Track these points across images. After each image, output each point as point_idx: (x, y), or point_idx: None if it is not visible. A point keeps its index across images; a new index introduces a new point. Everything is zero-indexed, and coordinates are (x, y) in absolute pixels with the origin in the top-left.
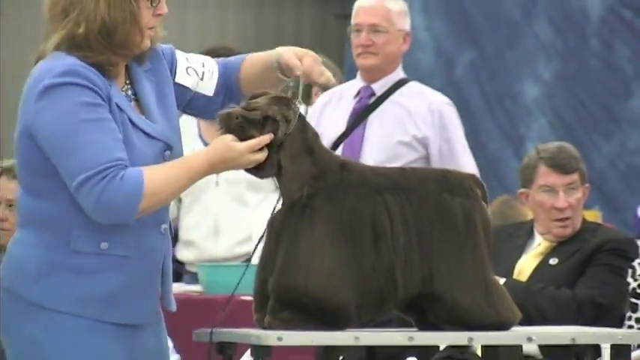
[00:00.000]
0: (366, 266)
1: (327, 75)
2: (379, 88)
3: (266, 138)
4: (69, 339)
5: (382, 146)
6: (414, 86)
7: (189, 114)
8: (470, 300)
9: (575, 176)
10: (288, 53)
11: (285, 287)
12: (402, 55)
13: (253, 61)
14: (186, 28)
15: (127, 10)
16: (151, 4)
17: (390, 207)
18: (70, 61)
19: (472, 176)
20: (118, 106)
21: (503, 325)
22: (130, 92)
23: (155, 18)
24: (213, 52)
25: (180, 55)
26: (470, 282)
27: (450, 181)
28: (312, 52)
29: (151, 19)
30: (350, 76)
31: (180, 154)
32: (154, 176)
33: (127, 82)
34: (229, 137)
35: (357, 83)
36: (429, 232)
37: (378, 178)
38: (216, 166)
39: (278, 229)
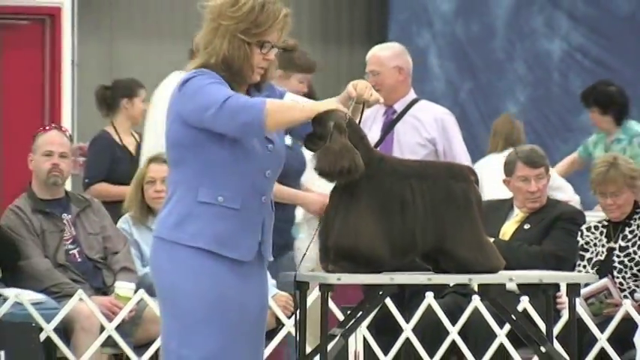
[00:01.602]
0: (395, 229)
1: (376, 95)
2: (399, 107)
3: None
4: (195, 266)
5: (405, 147)
6: (423, 103)
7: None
8: (469, 254)
9: (542, 169)
10: (349, 85)
11: (340, 245)
12: (404, 81)
13: (339, 99)
14: None
15: (242, 51)
16: (261, 50)
17: (413, 188)
18: (201, 69)
19: (468, 167)
20: None
21: (492, 270)
22: None
23: (264, 61)
24: None
25: (287, 94)
26: (469, 241)
27: (454, 171)
28: (364, 81)
29: (261, 61)
30: None
31: (281, 148)
32: (273, 101)
33: None
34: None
35: (383, 106)
36: (439, 207)
37: (405, 168)
38: (321, 106)
39: (335, 202)
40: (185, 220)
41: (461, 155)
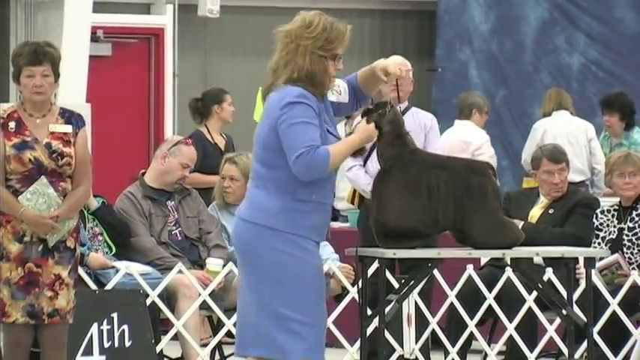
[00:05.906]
0: (422, 209)
1: (404, 68)
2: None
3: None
4: (294, 247)
5: None
6: (415, 109)
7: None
8: (481, 235)
9: (564, 164)
10: (377, 70)
11: (379, 223)
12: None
13: (363, 72)
14: None
15: (322, 65)
16: (334, 62)
17: (437, 176)
18: (300, 90)
19: (487, 163)
20: (325, 116)
21: (514, 244)
22: None
23: (336, 70)
24: None
25: (337, 81)
26: (482, 224)
27: (473, 166)
28: (392, 59)
29: (334, 71)
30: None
31: None
32: (334, 149)
33: None
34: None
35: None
36: (458, 194)
37: (432, 159)
38: (362, 139)
39: (374, 188)
40: (284, 211)
41: (443, 147)
